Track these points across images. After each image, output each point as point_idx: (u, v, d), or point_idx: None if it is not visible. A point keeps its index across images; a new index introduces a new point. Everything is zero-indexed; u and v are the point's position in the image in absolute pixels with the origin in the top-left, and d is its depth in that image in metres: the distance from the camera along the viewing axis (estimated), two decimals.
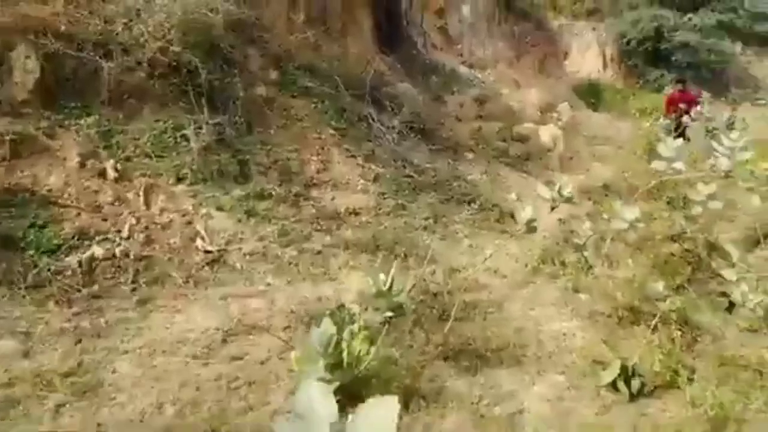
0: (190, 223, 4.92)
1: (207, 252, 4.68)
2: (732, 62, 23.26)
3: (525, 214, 3.77)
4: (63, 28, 5.22)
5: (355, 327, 3.19)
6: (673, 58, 21.42)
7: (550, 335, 4.31)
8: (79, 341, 3.53)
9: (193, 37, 5.72)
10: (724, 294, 4.36)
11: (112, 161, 5.05)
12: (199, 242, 4.75)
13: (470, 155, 8.84)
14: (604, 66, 23.28)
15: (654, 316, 4.02)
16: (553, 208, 3.73)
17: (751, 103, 16.03)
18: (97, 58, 5.31)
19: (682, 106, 10.32)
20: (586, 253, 4.30)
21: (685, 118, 9.80)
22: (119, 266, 4.32)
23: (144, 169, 5.17)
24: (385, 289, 3.35)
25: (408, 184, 6.78)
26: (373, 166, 6.77)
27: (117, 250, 4.36)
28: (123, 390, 3.23)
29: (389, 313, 3.34)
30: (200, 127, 5.57)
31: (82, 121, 5.17)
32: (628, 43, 22.37)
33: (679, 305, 4.13)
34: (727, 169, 4.22)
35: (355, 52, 8.83)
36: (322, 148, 6.66)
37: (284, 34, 7.41)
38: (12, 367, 3.24)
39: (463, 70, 13.80)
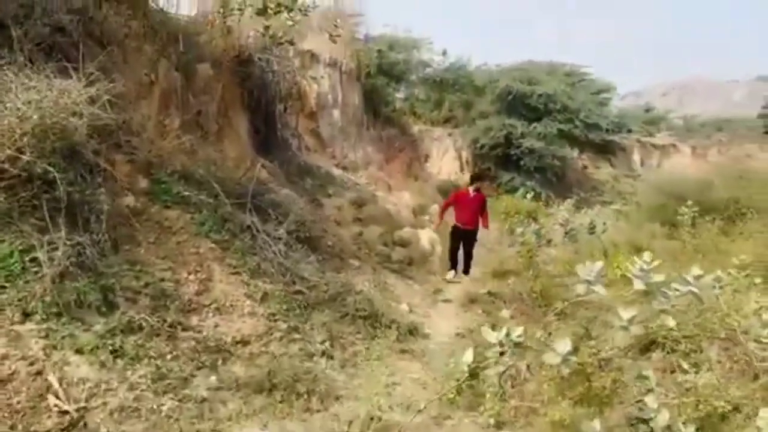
0: (39, 373, 3.86)
1: (63, 412, 3.65)
2: (571, 167, 25.47)
3: (466, 358, 3.25)
4: None
5: None
6: (522, 163, 23.00)
7: None
8: None
9: (50, 144, 4.82)
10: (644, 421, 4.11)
11: None
12: (51, 399, 3.70)
13: (356, 263, 8.37)
14: (461, 168, 24.48)
15: None
16: (502, 353, 3.24)
17: (600, 205, 17.33)
18: None
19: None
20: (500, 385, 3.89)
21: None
22: None
23: None
24: None
25: (299, 302, 6.09)
26: (259, 283, 6.02)
27: None
28: None
29: None
30: (55, 248, 4.58)
31: None
32: (481, 148, 23.77)
33: None
34: (642, 289, 4.07)
35: (233, 156, 8.22)
36: (201, 265, 5.83)
37: (156, 139, 6.64)
38: None
39: (336, 172, 13.62)
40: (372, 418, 4.25)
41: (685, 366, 4.06)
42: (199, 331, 5.07)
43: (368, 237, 9.55)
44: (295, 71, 10.75)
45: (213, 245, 6.15)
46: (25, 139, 4.68)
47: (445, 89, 24.47)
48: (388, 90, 19.58)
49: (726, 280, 3.89)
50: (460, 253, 9.92)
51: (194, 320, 5.19)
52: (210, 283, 5.69)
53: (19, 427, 3.49)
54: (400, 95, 24.11)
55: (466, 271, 9.88)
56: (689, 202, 10.75)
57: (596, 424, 3.74)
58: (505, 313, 6.93)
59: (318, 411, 4.46)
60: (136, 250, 5.40)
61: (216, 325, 5.27)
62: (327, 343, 5.67)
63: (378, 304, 6.76)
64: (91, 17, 6.58)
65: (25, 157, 4.67)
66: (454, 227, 9.79)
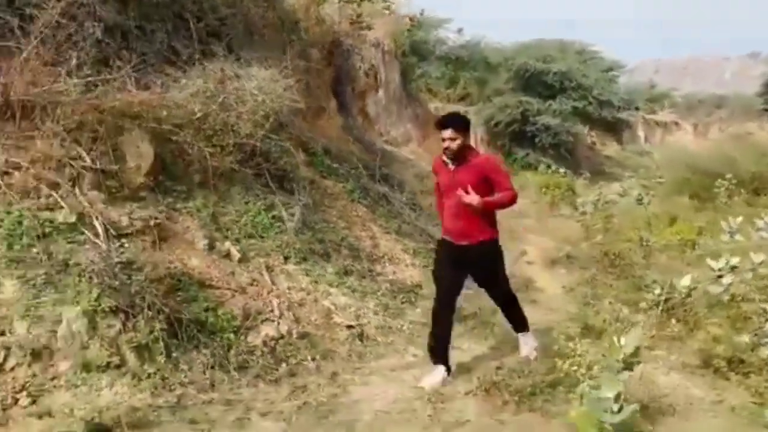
0: (316, 300, 5.26)
1: (348, 327, 5.06)
2: (581, 143, 27.15)
3: (684, 282, 4.76)
4: (165, 112, 5.42)
5: None
6: (537, 140, 24.55)
7: None
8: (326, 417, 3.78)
9: (269, 124, 6.14)
10: None
11: (228, 243, 5.27)
12: (336, 318, 5.11)
13: None
14: (476, 145, 25.96)
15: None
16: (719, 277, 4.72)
17: (621, 180, 18.89)
18: (194, 142, 5.55)
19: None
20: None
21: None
22: (289, 344, 4.58)
23: (255, 249, 5.44)
24: None
25: None
26: (406, 241, 7.44)
27: (283, 329, 4.63)
28: None
29: None
30: (290, 207, 5.96)
31: (190, 204, 5.34)
32: (496, 125, 25.23)
33: None
34: None
35: (336, 135, 9.57)
36: (364, 225, 7.23)
37: (305, 118, 7.98)
38: None
39: (388, 148, 15.00)
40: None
41: None
42: (387, 276, 6.48)
43: None
44: (371, 55, 12.04)
45: (365, 209, 7.55)
46: (257, 119, 6.00)
47: (460, 67, 25.76)
48: (415, 69, 20.89)
49: None
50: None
51: (378, 268, 6.60)
52: (376, 240, 7.10)
53: (326, 335, 4.89)
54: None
55: (521, 328, 4.87)
56: (729, 176, 12.42)
57: (744, 337, 5.26)
58: (593, 271, 8.56)
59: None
60: (322, 211, 6.77)
61: (394, 272, 6.68)
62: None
63: None
64: (246, 11, 7.85)
65: (258, 133, 6.00)
66: (439, 244, 4.67)
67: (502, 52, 27.04)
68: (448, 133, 4.29)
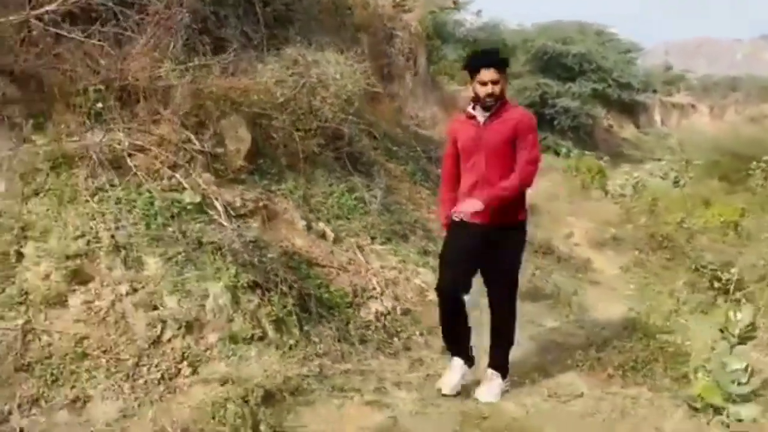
0: (408, 279, 5.53)
1: None
2: (598, 126, 27.36)
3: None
4: (255, 97, 5.64)
5: None
6: (556, 122, 24.76)
7: None
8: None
9: (350, 108, 6.37)
10: None
11: (321, 223, 5.53)
12: (429, 296, 5.38)
13: None
14: None
15: None
16: None
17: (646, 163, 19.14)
18: (283, 125, 5.78)
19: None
20: None
21: None
22: (395, 319, 4.85)
23: (344, 230, 5.69)
24: None
25: None
26: None
27: (388, 306, 4.89)
28: None
29: None
30: (370, 190, 6.20)
31: (282, 186, 5.58)
32: None
33: None
34: None
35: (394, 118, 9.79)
36: (429, 208, 7.48)
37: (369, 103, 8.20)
38: None
39: (421, 131, 15.20)
40: None
41: None
42: None
43: None
44: (408, 38, 12.22)
45: (428, 191, 7.80)
46: (340, 104, 6.22)
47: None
48: (438, 51, 21.04)
49: None
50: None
51: None
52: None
53: (423, 312, 5.16)
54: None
55: (498, 365, 3.89)
56: (766, 158, 12.63)
57: None
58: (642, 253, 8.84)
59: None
60: (392, 193, 7.02)
61: None
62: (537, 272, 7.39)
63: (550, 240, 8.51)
64: None
65: (340, 117, 6.23)
66: (451, 228, 3.82)
67: (520, 34, 27.15)
68: (490, 74, 3.44)
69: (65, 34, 4.44)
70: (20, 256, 3.79)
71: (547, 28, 26.66)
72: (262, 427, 3.11)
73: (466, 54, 25.95)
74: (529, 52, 25.40)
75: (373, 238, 5.80)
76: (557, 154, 23.24)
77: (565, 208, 12.74)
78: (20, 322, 3.46)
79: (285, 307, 4.05)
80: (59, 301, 3.65)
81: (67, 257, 3.78)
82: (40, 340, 3.45)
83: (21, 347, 3.37)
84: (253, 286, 4.02)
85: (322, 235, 5.38)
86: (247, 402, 3.25)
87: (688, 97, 33.01)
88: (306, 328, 4.11)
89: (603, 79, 25.03)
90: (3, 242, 3.79)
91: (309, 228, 5.30)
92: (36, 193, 4.08)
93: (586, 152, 23.70)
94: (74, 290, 3.71)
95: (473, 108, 3.61)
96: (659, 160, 20.31)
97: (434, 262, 6.06)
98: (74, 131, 4.46)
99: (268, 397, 3.34)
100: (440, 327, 3.89)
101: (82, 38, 4.49)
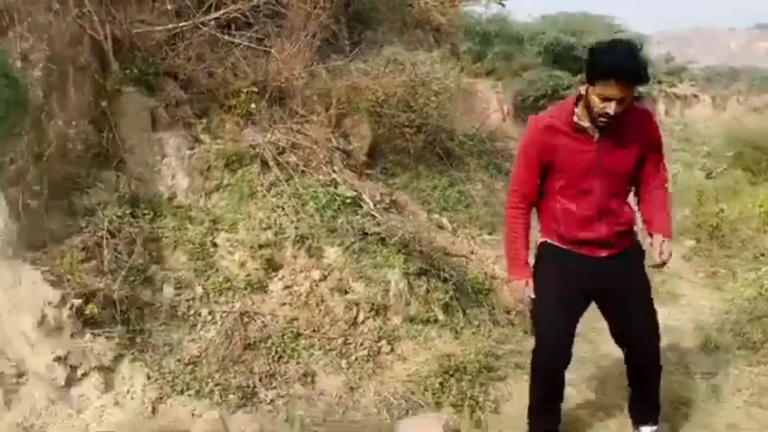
0: None
1: None
2: None
3: None
4: (371, 95, 6.08)
5: None
6: None
7: None
8: None
9: (449, 105, 6.84)
10: None
11: (436, 215, 6.00)
12: None
13: None
14: (503, 119, 26.69)
15: None
16: None
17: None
18: (395, 122, 6.24)
19: None
20: None
21: None
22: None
23: (455, 221, 6.16)
24: None
25: None
26: None
27: None
28: None
29: None
30: (471, 182, 6.68)
31: (397, 181, 6.05)
32: (523, 101, 25.92)
33: None
34: None
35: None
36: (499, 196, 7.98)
37: None
38: None
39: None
40: None
41: None
42: None
43: None
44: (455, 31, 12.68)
45: (503, 184, 8.27)
46: (438, 101, 6.69)
47: (487, 41, 26.33)
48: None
49: None
50: None
51: None
52: None
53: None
54: None
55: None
56: None
57: None
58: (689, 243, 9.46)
59: None
60: (485, 187, 7.51)
61: None
62: None
63: None
64: None
65: (439, 113, 6.69)
66: (545, 261, 3.00)
67: (530, 26, 27.64)
68: (619, 89, 2.57)
69: (231, 39, 4.84)
70: (215, 246, 4.22)
71: (556, 19, 27.15)
72: (479, 398, 3.58)
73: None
74: (540, 44, 25.89)
75: (480, 229, 6.28)
76: None
77: None
78: (235, 305, 3.89)
79: (447, 292, 4.51)
80: (261, 287, 4.09)
81: (260, 246, 4.21)
82: (255, 321, 3.88)
83: (241, 328, 3.80)
84: (420, 273, 4.47)
85: (440, 226, 5.84)
86: (451, 375, 3.72)
87: (692, 88, 33.76)
88: (467, 311, 4.57)
89: None
90: (199, 234, 4.21)
91: (429, 220, 5.76)
92: (217, 189, 4.50)
93: None
94: (272, 277, 4.15)
95: (579, 118, 2.74)
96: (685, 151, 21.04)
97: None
98: (232, 131, 4.88)
99: (466, 372, 3.80)
100: (534, 409, 3.12)
101: (246, 43, 4.89)
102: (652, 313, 2.99)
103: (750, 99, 32.32)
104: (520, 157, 2.93)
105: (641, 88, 22.23)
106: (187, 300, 3.84)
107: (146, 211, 4.14)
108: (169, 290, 3.87)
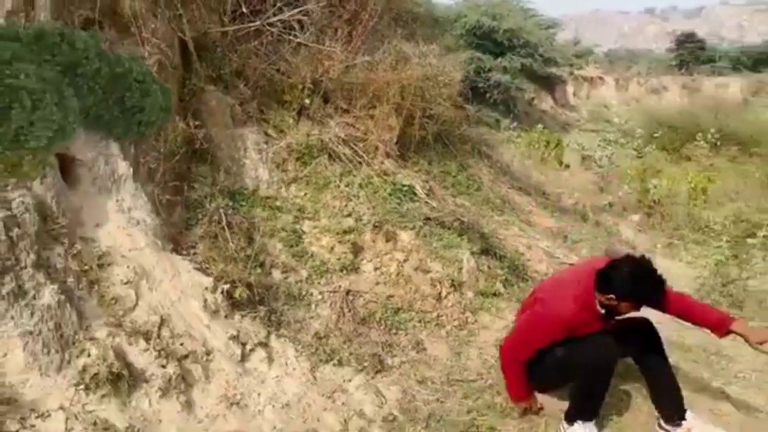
0: (530, 247, 6.79)
1: None
2: (521, 99, 29.58)
3: None
4: (396, 87, 6.61)
5: None
6: (488, 95, 26.63)
7: None
8: None
9: (455, 95, 7.47)
10: None
11: (459, 198, 6.64)
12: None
13: None
14: None
15: None
16: None
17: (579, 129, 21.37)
18: (415, 113, 6.80)
19: None
20: None
21: None
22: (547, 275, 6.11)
23: (474, 204, 6.84)
24: None
25: None
26: None
27: (544, 266, 6.15)
28: None
29: None
30: (473, 168, 7.37)
31: (416, 168, 6.63)
32: None
33: None
34: None
35: None
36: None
37: None
38: None
39: None
40: None
41: None
42: None
43: None
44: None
45: (489, 168, 9.03)
46: (450, 92, 7.31)
47: None
48: None
49: None
50: None
51: None
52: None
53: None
54: None
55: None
56: (712, 131, 14.84)
57: None
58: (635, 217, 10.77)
59: None
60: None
61: None
62: None
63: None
64: None
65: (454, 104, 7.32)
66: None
67: (451, 9, 28.63)
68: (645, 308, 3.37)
69: (297, 39, 5.23)
70: (303, 233, 4.67)
71: (477, 3, 28.30)
72: None
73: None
74: (463, 27, 26.91)
75: (492, 210, 6.99)
76: (489, 126, 24.97)
77: (543, 180, 14.45)
78: (341, 285, 4.38)
79: (503, 268, 5.18)
80: (353, 269, 4.59)
81: (344, 232, 4.70)
82: (359, 299, 4.40)
83: (350, 305, 4.31)
84: (479, 252, 5.12)
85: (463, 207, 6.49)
86: None
87: (597, 70, 36.11)
88: (520, 284, 5.27)
89: (530, 55, 27.11)
90: (288, 222, 4.65)
91: (455, 204, 6.40)
92: (294, 180, 4.94)
93: (518, 125, 25.62)
94: (361, 259, 4.66)
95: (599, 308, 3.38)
96: (597, 131, 22.64)
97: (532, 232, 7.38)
98: (293, 125, 5.31)
99: None
100: (591, 398, 3.44)
101: (307, 43, 5.30)
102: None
103: (649, 81, 34.94)
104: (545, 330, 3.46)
105: (551, 71, 23.41)
106: (297, 282, 4.28)
107: (242, 203, 4.52)
108: (277, 274, 4.30)
